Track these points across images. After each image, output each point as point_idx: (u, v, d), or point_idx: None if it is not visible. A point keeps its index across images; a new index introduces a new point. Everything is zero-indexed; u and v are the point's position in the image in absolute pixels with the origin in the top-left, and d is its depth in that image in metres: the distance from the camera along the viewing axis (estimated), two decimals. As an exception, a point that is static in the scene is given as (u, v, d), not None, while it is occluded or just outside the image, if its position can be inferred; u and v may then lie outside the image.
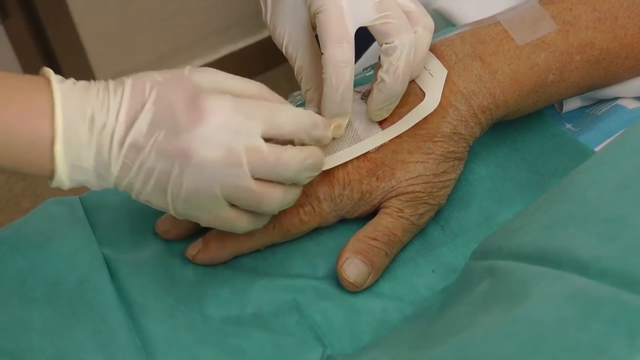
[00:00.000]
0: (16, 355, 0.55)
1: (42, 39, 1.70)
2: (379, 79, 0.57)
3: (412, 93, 0.61)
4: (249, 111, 0.52)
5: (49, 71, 0.52)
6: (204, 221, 0.55)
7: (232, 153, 0.51)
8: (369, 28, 0.56)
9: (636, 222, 0.40)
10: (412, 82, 0.61)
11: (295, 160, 0.54)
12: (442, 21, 0.75)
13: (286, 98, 0.63)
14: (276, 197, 0.54)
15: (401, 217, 0.59)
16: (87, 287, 0.58)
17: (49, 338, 0.56)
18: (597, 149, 0.62)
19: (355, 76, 0.69)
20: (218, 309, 0.59)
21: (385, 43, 0.56)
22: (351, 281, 0.58)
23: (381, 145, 0.60)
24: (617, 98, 0.65)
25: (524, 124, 0.65)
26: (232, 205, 0.54)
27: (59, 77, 0.52)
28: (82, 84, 0.52)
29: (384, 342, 0.54)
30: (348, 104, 0.57)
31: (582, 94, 0.64)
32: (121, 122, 0.51)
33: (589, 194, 0.45)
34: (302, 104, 0.64)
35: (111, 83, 0.53)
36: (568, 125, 0.65)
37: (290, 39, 0.59)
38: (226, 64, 1.82)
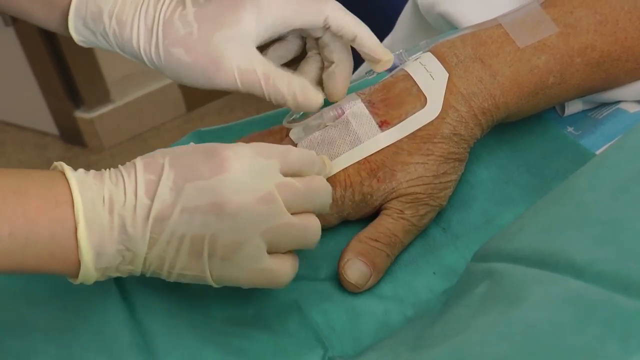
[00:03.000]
0: (21, 354, 0.55)
1: (52, 41, 1.71)
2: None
3: (411, 93, 0.61)
4: (267, 152, 0.53)
5: (61, 164, 0.51)
6: (245, 282, 0.53)
7: (265, 193, 0.51)
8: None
9: (632, 225, 0.40)
10: (411, 80, 0.61)
11: (323, 184, 0.55)
12: (446, 25, 0.75)
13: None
14: (316, 226, 0.54)
15: (402, 218, 0.60)
16: (90, 288, 0.59)
17: (54, 338, 0.56)
18: (598, 152, 0.62)
19: (356, 80, 0.69)
20: (221, 309, 0.59)
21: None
22: (352, 282, 0.59)
23: None
24: (618, 102, 0.65)
25: (525, 126, 0.65)
26: (271, 254, 0.53)
27: (70, 168, 0.51)
28: (94, 172, 0.52)
29: (384, 344, 0.55)
30: None
31: (582, 96, 0.64)
32: (141, 197, 0.50)
33: (587, 197, 0.45)
34: (300, 118, 0.65)
35: (122, 167, 0.52)
36: (569, 129, 0.65)
37: (244, 66, 0.59)
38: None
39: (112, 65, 1.78)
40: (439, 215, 0.62)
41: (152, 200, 0.50)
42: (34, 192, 0.49)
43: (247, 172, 0.51)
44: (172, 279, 0.53)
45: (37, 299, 0.58)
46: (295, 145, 0.62)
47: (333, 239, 0.62)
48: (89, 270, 0.50)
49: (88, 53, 1.74)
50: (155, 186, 0.50)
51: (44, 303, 0.58)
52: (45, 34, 1.70)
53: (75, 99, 1.84)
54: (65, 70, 1.77)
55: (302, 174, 0.55)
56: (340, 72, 0.63)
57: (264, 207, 0.51)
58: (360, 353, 0.56)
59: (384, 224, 0.59)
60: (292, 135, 0.63)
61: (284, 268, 0.54)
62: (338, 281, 0.59)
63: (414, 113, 0.60)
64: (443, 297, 0.58)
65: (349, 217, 0.61)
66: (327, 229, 0.62)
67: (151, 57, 0.61)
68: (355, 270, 0.59)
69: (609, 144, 0.62)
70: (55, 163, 0.52)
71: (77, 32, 0.63)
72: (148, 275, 0.53)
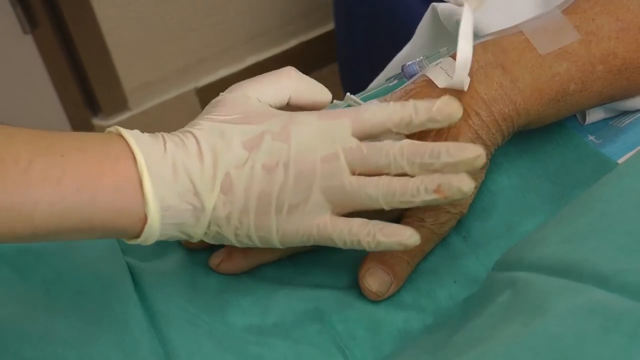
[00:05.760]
0: (42, 363, 0.56)
1: (70, 48, 1.73)
2: None
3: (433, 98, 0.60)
4: (334, 114, 0.55)
5: (116, 127, 0.53)
6: (305, 237, 0.54)
7: (329, 153, 0.53)
8: None
9: (658, 234, 0.40)
10: (432, 85, 0.61)
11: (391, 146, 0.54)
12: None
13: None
14: (375, 185, 0.53)
15: (422, 226, 0.59)
16: (111, 296, 0.59)
17: (74, 347, 0.56)
18: (620, 161, 0.61)
19: (376, 87, 0.69)
20: (240, 318, 0.59)
21: None
22: (373, 290, 0.59)
23: None
24: (640, 110, 0.65)
25: (546, 135, 0.65)
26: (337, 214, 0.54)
27: (124, 129, 0.53)
28: (147, 134, 0.53)
29: (405, 353, 0.54)
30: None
31: (604, 104, 0.64)
32: (208, 155, 0.52)
33: (611, 207, 0.45)
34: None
35: (177, 133, 0.54)
36: (591, 137, 0.65)
37: None
38: (251, 74, 1.82)
39: (129, 72, 1.79)
40: (460, 223, 0.62)
41: (222, 155, 0.52)
42: (94, 150, 0.50)
43: (313, 136, 0.53)
44: (235, 241, 0.54)
45: (56, 308, 0.58)
46: None
47: (353, 247, 0.62)
48: (154, 224, 0.51)
49: (106, 61, 1.75)
50: (223, 144, 0.52)
51: (64, 312, 0.58)
52: (64, 42, 1.71)
53: (93, 106, 1.85)
54: (83, 77, 1.78)
55: (385, 129, 0.55)
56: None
57: (326, 165, 0.53)
58: (380, 361, 0.56)
59: (405, 232, 0.59)
60: None
61: (345, 227, 0.53)
62: (358, 289, 0.59)
63: None
64: (464, 305, 0.58)
65: (369, 225, 0.61)
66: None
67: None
68: (375, 278, 0.58)
69: (631, 152, 0.61)
70: (110, 128, 0.53)
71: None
72: (209, 239, 0.54)
